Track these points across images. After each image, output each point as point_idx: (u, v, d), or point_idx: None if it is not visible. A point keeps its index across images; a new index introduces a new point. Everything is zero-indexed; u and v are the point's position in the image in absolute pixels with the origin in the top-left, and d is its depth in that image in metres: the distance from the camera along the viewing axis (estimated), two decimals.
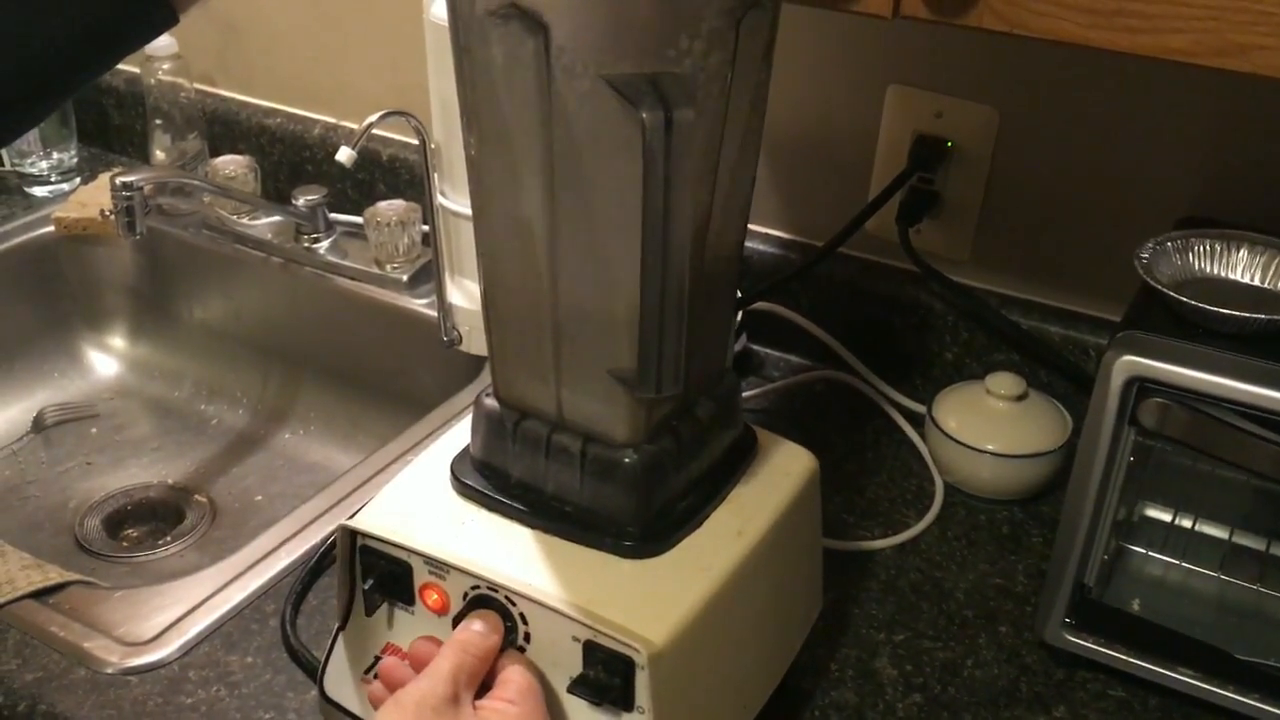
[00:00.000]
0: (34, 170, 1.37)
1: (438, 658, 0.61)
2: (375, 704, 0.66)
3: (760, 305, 1.09)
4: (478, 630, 0.62)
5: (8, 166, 1.38)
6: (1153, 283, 0.72)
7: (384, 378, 1.20)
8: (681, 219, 0.54)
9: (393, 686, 0.64)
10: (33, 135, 1.35)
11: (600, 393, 0.63)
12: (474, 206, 0.63)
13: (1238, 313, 0.69)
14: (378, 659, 0.68)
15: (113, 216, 1.10)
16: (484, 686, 0.62)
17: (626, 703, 0.60)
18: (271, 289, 1.26)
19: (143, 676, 0.77)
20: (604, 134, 0.55)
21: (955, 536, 0.92)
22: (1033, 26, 0.61)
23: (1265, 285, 0.74)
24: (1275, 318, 0.69)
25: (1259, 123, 0.89)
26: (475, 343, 0.98)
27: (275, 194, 1.34)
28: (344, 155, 0.95)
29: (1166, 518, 0.85)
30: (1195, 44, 0.58)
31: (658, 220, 0.54)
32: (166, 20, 0.61)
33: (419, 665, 0.63)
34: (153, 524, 1.14)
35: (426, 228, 1.11)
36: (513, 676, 0.62)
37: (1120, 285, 0.77)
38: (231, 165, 1.27)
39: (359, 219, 1.21)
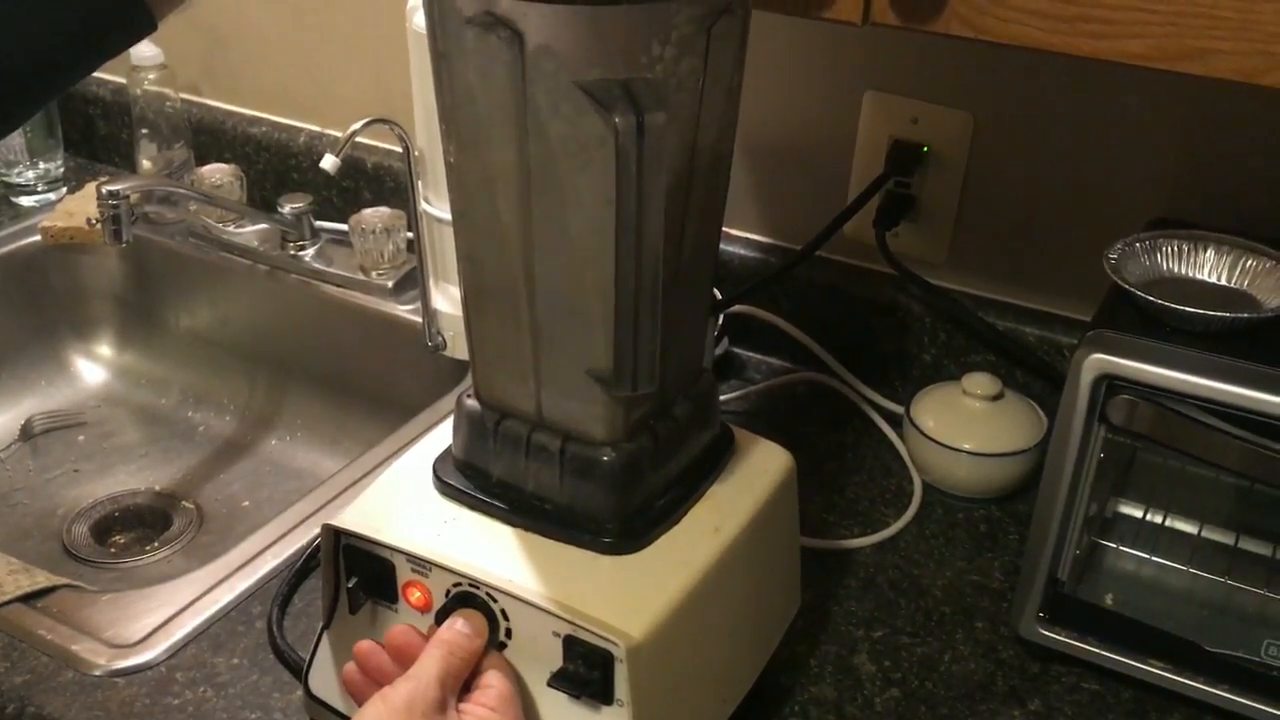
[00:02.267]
0: (20, 180, 1.38)
1: (424, 658, 0.61)
2: (350, 687, 0.66)
3: (741, 308, 1.11)
4: (464, 632, 0.63)
5: None
6: (1121, 282, 0.73)
7: (369, 383, 1.21)
8: (654, 221, 0.56)
9: (368, 671, 0.65)
10: (19, 145, 1.36)
11: (578, 392, 0.64)
12: (453, 211, 0.65)
13: (1203, 311, 0.70)
14: None
15: (99, 225, 1.10)
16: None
17: (606, 696, 0.62)
18: (257, 296, 1.27)
19: (130, 678, 0.78)
20: (578, 138, 0.57)
21: (933, 534, 0.93)
22: (997, 32, 0.62)
23: (1231, 284, 0.76)
24: (1240, 316, 0.71)
25: (1226, 127, 0.91)
26: (460, 347, 0.99)
27: (261, 202, 1.35)
28: (329, 163, 0.96)
29: (1138, 514, 0.86)
30: (1154, 49, 0.60)
31: (631, 222, 0.55)
32: (145, 26, 0.62)
33: (397, 653, 0.64)
34: (140, 530, 1.15)
35: (411, 234, 1.12)
36: (493, 682, 0.63)
37: (1093, 286, 0.78)
38: (217, 174, 1.28)
39: (344, 226, 1.22)
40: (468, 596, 0.65)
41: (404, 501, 0.70)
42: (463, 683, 0.63)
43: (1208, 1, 0.57)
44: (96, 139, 1.47)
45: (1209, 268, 0.77)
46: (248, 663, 0.79)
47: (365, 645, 0.65)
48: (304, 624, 0.82)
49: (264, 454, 1.24)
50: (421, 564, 0.66)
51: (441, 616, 0.65)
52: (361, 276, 1.20)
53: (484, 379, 0.69)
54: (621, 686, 0.61)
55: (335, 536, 0.68)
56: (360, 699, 0.66)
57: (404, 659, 0.64)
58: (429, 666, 0.61)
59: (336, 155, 0.95)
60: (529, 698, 0.65)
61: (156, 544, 1.12)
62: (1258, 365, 0.69)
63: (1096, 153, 0.96)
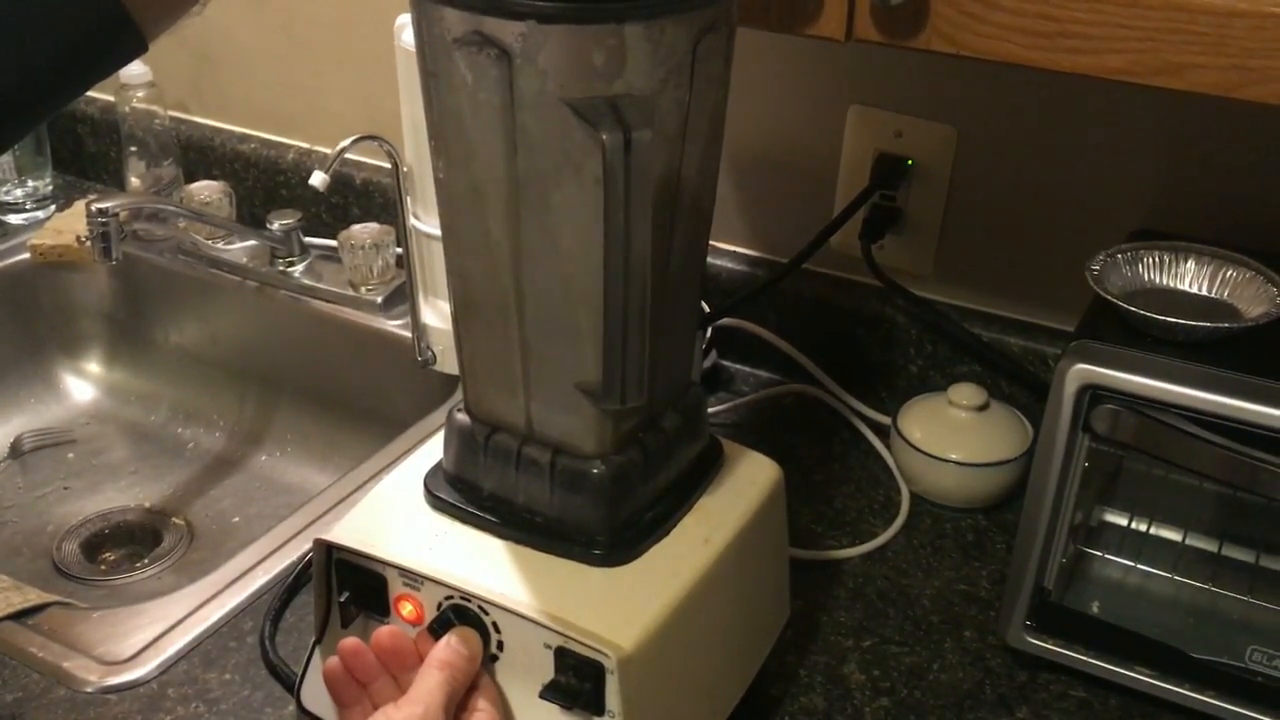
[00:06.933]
0: (9, 198, 1.38)
1: (426, 679, 0.61)
2: (332, 684, 0.66)
3: (729, 321, 1.11)
4: (462, 653, 0.63)
5: None
6: (1103, 293, 0.74)
7: (359, 399, 1.21)
8: (642, 235, 0.56)
9: (354, 671, 0.65)
10: (8, 163, 1.36)
11: (568, 406, 0.65)
12: (443, 226, 0.65)
13: (1185, 321, 0.71)
14: None
15: (88, 243, 1.11)
16: None
17: (597, 707, 0.62)
18: (247, 312, 1.27)
19: (122, 695, 0.78)
20: (566, 154, 0.57)
21: (921, 544, 0.94)
22: (977, 48, 0.63)
23: (1212, 295, 0.77)
24: (1221, 325, 0.71)
25: (1206, 140, 0.92)
26: (449, 362, 0.99)
27: (250, 219, 1.35)
28: (318, 179, 0.96)
29: (1123, 522, 0.87)
30: (1133, 64, 0.61)
31: (619, 237, 0.56)
32: (136, 48, 0.62)
33: (386, 656, 0.64)
34: (130, 547, 1.15)
35: (400, 250, 1.13)
36: (483, 706, 0.63)
37: (1077, 297, 0.79)
38: (206, 191, 1.28)
39: (333, 242, 1.22)
40: (460, 609, 0.65)
41: (395, 515, 0.70)
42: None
43: (1184, 17, 0.58)
44: (85, 157, 1.47)
45: (1190, 278, 0.78)
46: (240, 678, 0.79)
47: (351, 643, 0.65)
48: (296, 639, 0.82)
49: (254, 470, 1.24)
50: (413, 577, 0.66)
51: (434, 629, 0.65)
52: (351, 292, 1.21)
53: (474, 393, 0.69)
54: (613, 698, 0.61)
55: (327, 551, 0.69)
56: (340, 696, 0.66)
57: (393, 663, 0.64)
58: (434, 692, 0.61)
59: (325, 172, 0.96)
60: (521, 710, 0.65)
61: (147, 561, 1.12)
62: (1239, 374, 0.69)
63: (1078, 165, 0.97)
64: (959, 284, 1.06)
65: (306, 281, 1.23)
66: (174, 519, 1.17)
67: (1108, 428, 0.73)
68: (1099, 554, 0.85)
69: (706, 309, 1.05)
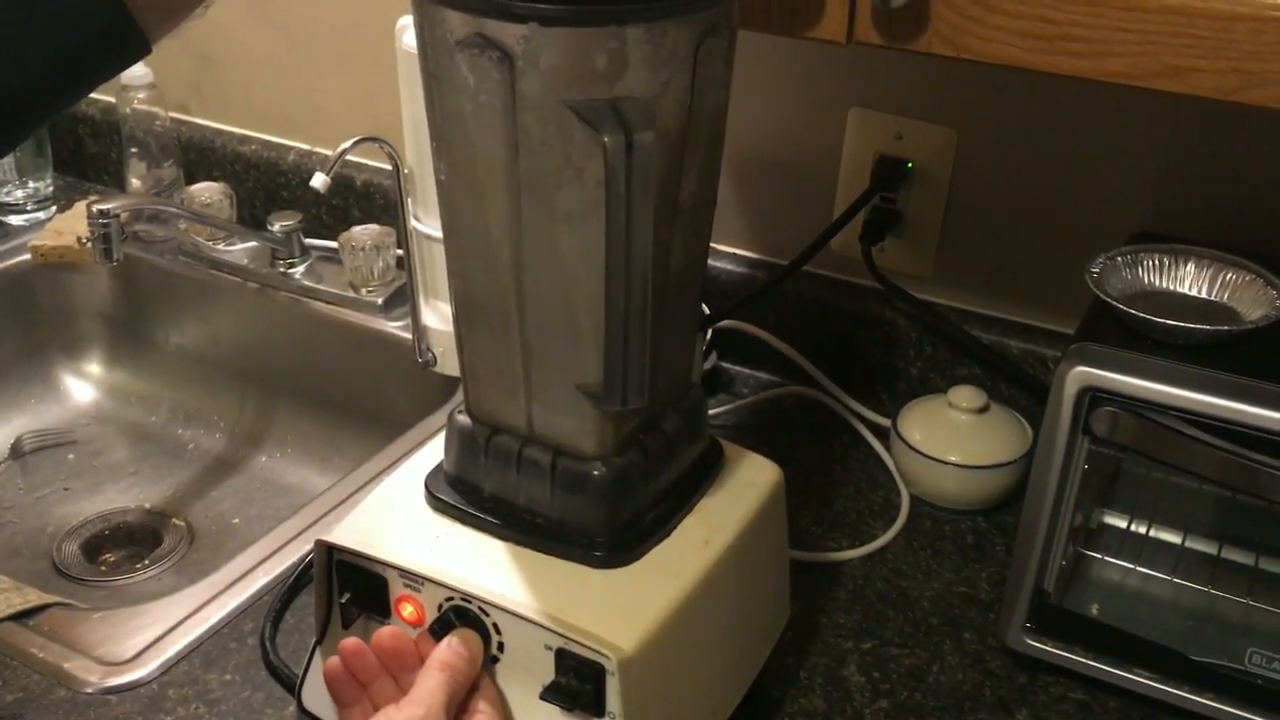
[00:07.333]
0: (10, 199, 1.38)
1: (428, 680, 0.62)
2: (332, 683, 0.66)
3: (729, 323, 1.12)
4: (463, 654, 0.63)
5: None
6: (1103, 296, 0.74)
7: (360, 400, 1.21)
8: (643, 237, 0.56)
9: (355, 671, 0.65)
10: (8, 164, 1.36)
11: (569, 407, 0.65)
12: (444, 228, 0.65)
13: (1184, 324, 0.71)
14: None
15: (89, 244, 1.11)
16: None
17: (598, 708, 0.62)
18: (247, 314, 1.27)
19: (122, 695, 0.78)
20: (567, 157, 0.57)
21: (921, 546, 0.94)
22: (978, 51, 0.63)
23: (1211, 298, 0.77)
24: (1220, 329, 0.72)
25: (1206, 142, 0.92)
26: (450, 363, 0.99)
27: (251, 220, 1.35)
28: (318, 181, 0.96)
29: (1123, 524, 0.87)
30: (1133, 67, 0.61)
31: (620, 239, 0.56)
32: (140, 49, 0.62)
33: (386, 656, 0.64)
34: (130, 548, 1.15)
35: (401, 251, 1.13)
36: (484, 709, 0.63)
37: (1077, 300, 0.79)
38: (207, 192, 1.29)
39: (334, 244, 1.23)
40: (460, 611, 0.65)
41: (396, 516, 0.70)
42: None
43: (1184, 21, 0.58)
44: (86, 158, 1.47)
45: (1190, 281, 0.78)
46: (240, 679, 0.79)
47: (352, 644, 0.65)
48: (296, 640, 0.82)
49: (254, 471, 1.24)
50: (414, 579, 0.66)
51: (434, 630, 0.65)
52: (351, 294, 1.21)
53: (475, 395, 0.69)
54: (613, 699, 0.61)
55: (328, 552, 0.69)
56: (340, 696, 0.66)
57: (394, 664, 0.65)
58: (436, 694, 0.61)
59: (326, 174, 0.96)
60: (522, 712, 0.65)
61: (147, 562, 1.12)
62: (1238, 377, 0.70)
63: (1078, 168, 0.97)
64: (959, 286, 1.06)
65: (307, 283, 1.23)
66: (174, 520, 1.17)
67: (1107, 430, 0.73)
68: (1098, 556, 0.85)
69: (707, 311, 1.05)
